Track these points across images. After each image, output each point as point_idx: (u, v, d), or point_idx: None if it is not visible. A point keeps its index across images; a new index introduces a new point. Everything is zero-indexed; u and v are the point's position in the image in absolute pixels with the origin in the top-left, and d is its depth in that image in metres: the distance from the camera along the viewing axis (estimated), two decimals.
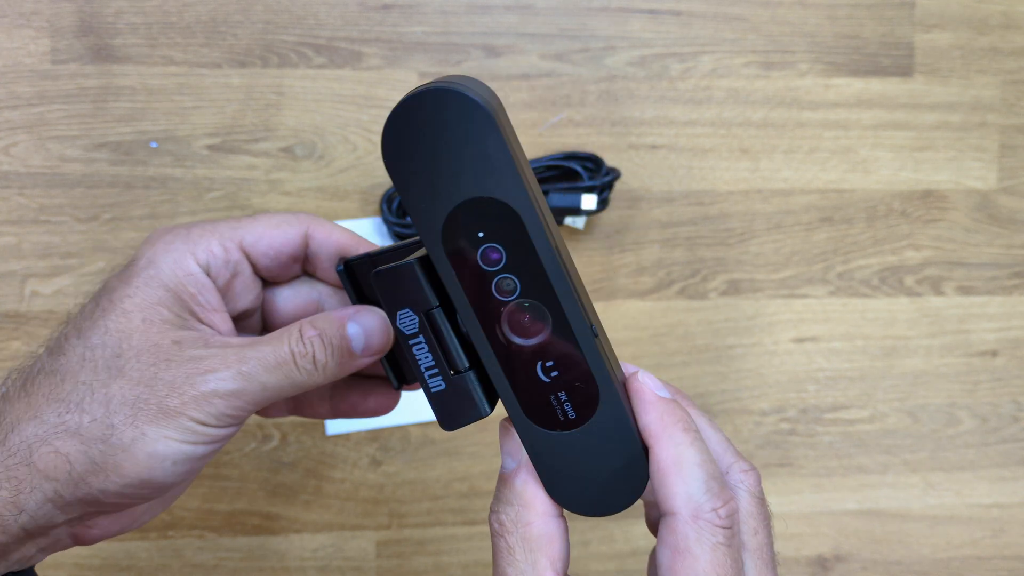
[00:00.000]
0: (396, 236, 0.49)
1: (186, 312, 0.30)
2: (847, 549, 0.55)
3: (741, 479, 0.27)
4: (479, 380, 0.27)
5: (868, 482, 0.55)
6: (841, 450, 0.55)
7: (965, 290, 0.55)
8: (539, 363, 0.25)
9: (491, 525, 0.27)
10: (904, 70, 0.54)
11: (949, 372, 0.55)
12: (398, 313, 0.26)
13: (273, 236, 0.31)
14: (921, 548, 0.56)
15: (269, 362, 0.29)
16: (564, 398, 0.26)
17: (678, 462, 0.25)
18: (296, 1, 0.49)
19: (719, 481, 0.26)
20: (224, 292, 0.31)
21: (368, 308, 0.31)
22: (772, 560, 0.27)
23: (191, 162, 0.49)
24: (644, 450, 0.26)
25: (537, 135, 0.51)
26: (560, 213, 0.49)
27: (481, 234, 0.24)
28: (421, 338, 0.26)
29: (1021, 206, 0.55)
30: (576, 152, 0.50)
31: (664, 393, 0.27)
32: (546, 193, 0.49)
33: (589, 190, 0.49)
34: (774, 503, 0.54)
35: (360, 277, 0.31)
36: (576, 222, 0.50)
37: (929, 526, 0.56)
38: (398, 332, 0.26)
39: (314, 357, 0.29)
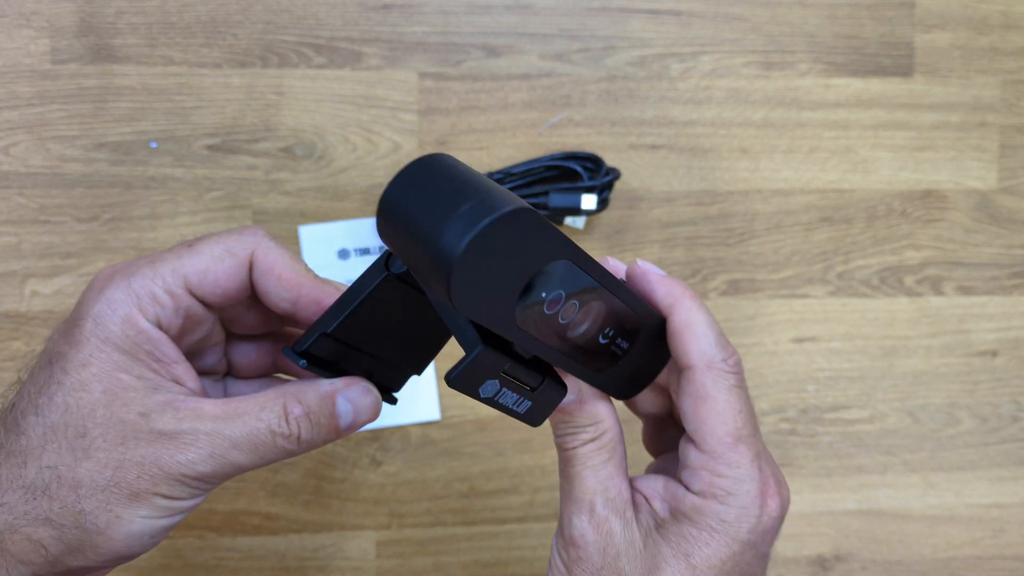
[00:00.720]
0: None
1: (148, 371, 0.28)
2: (847, 549, 0.55)
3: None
4: (553, 380, 0.29)
5: (868, 482, 0.55)
6: (841, 450, 0.55)
7: (965, 290, 0.55)
8: (600, 336, 0.28)
9: (566, 444, 0.29)
10: (904, 70, 0.54)
11: (949, 372, 0.55)
12: (480, 390, 0.27)
13: (217, 272, 0.29)
14: (921, 548, 0.56)
15: (245, 445, 0.27)
16: (621, 342, 0.29)
17: (690, 324, 0.29)
18: (296, 1, 0.49)
19: (724, 337, 0.29)
20: (179, 339, 0.30)
21: (357, 381, 0.30)
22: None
23: (191, 162, 0.49)
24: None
25: (537, 135, 0.51)
26: (560, 213, 0.49)
27: (544, 294, 0.25)
28: (504, 390, 0.27)
29: (1021, 206, 0.55)
30: (576, 152, 0.50)
31: (662, 272, 0.30)
32: (546, 193, 0.49)
33: (589, 190, 0.49)
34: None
35: (325, 352, 0.29)
36: (576, 222, 0.50)
37: (929, 526, 0.56)
38: (486, 401, 0.27)
39: (299, 438, 0.28)
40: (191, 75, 0.48)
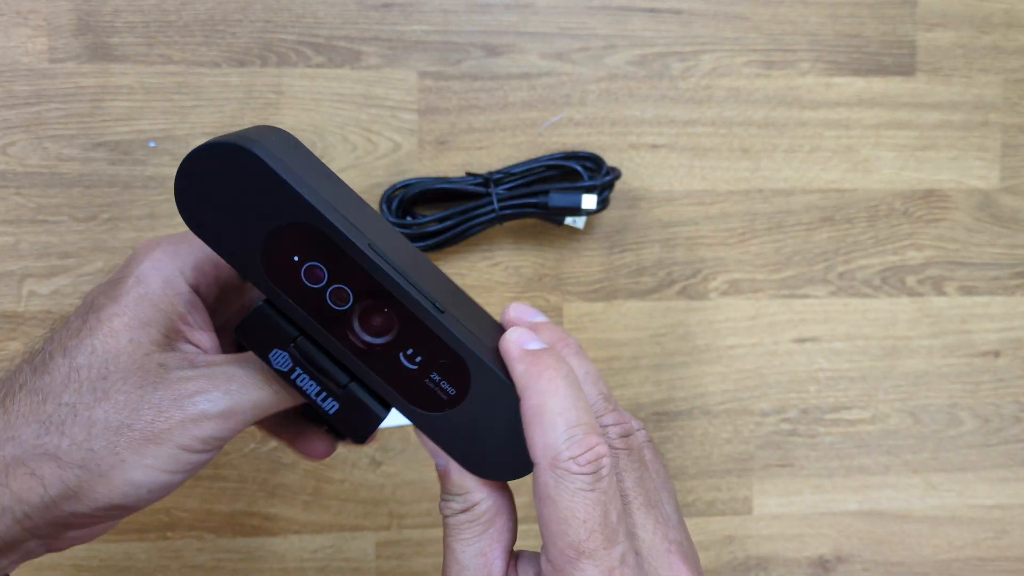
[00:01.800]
0: None
1: (173, 331, 0.29)
2: (848, 550, 0.55)
3: (611, 421, 0.28)
4: (364, 388, 0.28)
5: (869, 483, 0.55)
6: (842, 451, 0.54)
7: (967, 290, 0.55)
8: (400, 354, 0.27)
9: (441, 511, 0.28)
10: (906, 69, 0.53)
11: (951, 372, 0.55)
12: (270, 356, 0.27)
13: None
14: (922, 549, 0.55)
15: (258, 378, 0.28)
16: (438, 379, 0.27)
17: (539, 412, 0.26)
18: (295, 0, 0.49)
19: (584, 428, 0.26)
20: (212, 308, 0.31)
21: None
22: (649, 502, 0.28)
23: None
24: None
25: (537, 134, 0.51)
26: (560, 213, 0.49)
27: (296, 258, 0.25)
28: (298, 369, 0.27)
29: (1023, 205, 0.55)
30: (576, 152, 0.50)
31: (535, 344, 0.28)
32: (546, 193, 0.49)
33: (589, 190, 0.48)
34: (775, 504, 0.54)
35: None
36: (576, 222, 0.50)
37: (931, 527, 0.55)
38: (278, 374, 0.27)
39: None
40: (189, 74, 0.48)
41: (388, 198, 0.49)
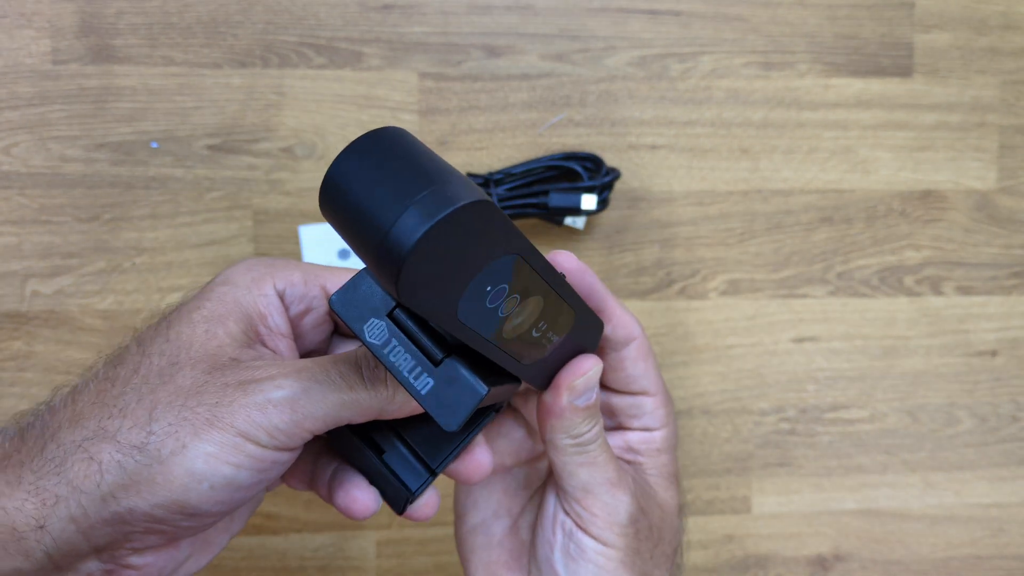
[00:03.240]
0: None
1: (252, 331, 0.28)
2: (846, 549, 0.55)
3: None
4: (464, 362, 0.26)
5: (867, 482, 0.55)
6: (841, 450, 0.55)
7: (964, 290, 0.55)
8: (532, 329, 0.27)
9: (594, 438, 0.31)
10: (904, 70, 0.54)
11: (948, 372, 0.55)
12: (364, 327, 0.25)
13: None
14: (920, 548, 0.56)
15: (332, 372, 0.26)
16: (551, 335, 0.29)
17: (623, 308, 0.33)
18: (296, 1, 0.49)
19: None
20: (294, 324, 0.30)
21: None
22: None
23: (191, 162, 0.49)
24: (597, 318, 0.32)
25: (537, 135, 0.51)
26: (560, 213, 0.49)
27: (488, 288, 0.24)
28: (394, 341, 0.25)
29: (1020, 206, 0.55)
30: (576, 152, 0.50)
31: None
32: (546, 193, 0.49)
33: (589, 190, 0.49)
34: (774, 503, 0.54)
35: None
36: (576, 222, 0.51)
37: (928, 526, 0.56)
38: (371, 347, 0.25)
39: (385, 377, 0.27)
40: (191, 75, 0.48)
41: None
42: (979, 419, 0.56)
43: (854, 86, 0.53)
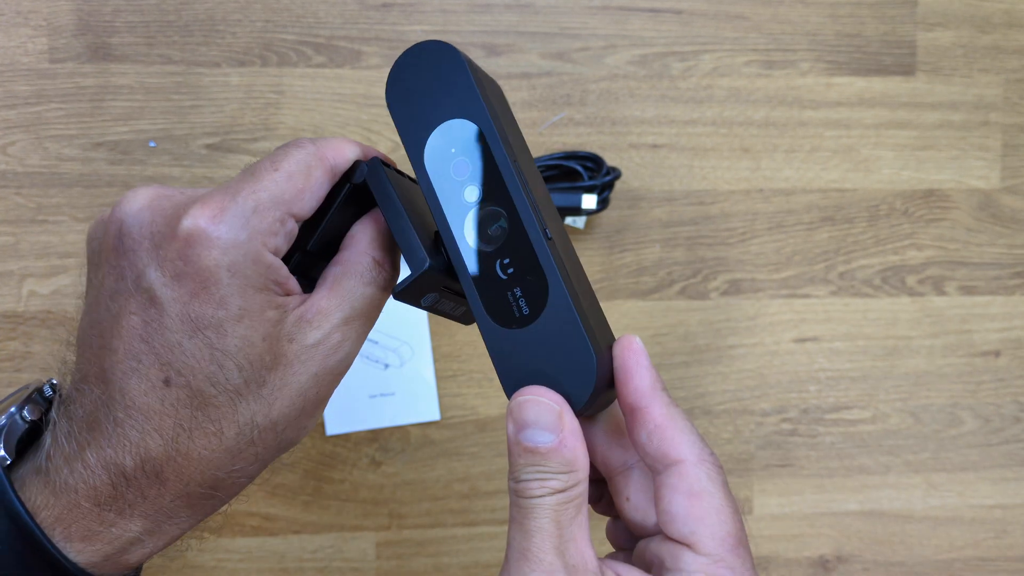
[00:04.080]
0: None
1: (277, 298, 0.28)
2: (849, 550, 0.55)
3: None
4: (443, 265, 0.31)
5: (870, 483, 0.55)
6: (843, 450, 0.54)
7: (967, 290, 0.55)
8: (498, 262, 0.29)
9: (527, 491, 0.26)
10: (906, 69, 0.53)
11: (951, 372, 0.55)
12: (422, 300, 0.31)
13: (312, 191, 0.29)
14: (923, 549, 0.55)
15: (368, 310, 0.30)
16: (519, 294, 0.28)
17: (673, 419, 0.27)
18: (295, 0, 0.49)
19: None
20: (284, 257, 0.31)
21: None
22: None
23: (189, 161, 0.48)
24: (594, 353, 0.27)
25: (537, 134, 0.51)
26: (560, 213, 0.49)
27: (453, 150, 0.29)
28: (442, 299, 0.31)
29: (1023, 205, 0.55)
30: (576, 151, 0.50)
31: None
32: None
33: (589, 190, 0.48)
34: (775, 504, 0.54)
35: (306, 266, 0.32)
36: (576, 222, 0.50)
37: (931, 527, 0.55)
38: (424, 307, 0.31)
39: (391, 275, 0.31)
40: (189, 74, 0.48)
41: None
42: (982, 420, 0.55)
43: (856, 85, 0.53)
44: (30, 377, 0.48)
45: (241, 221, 0.27)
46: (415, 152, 0.30)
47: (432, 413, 0.51)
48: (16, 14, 0.47)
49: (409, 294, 0.30)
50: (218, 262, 0.27)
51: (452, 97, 0.29)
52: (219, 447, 0.28)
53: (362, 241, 0.31)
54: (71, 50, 0.47)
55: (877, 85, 0.53)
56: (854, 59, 0.53)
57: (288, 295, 0.29)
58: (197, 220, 0.27)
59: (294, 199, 0.28)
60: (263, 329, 0.28)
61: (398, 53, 0.49)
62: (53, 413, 0.29)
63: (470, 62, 0.30)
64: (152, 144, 0.48)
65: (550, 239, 0.28)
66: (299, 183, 0.29)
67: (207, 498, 0.29)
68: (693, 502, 0.26)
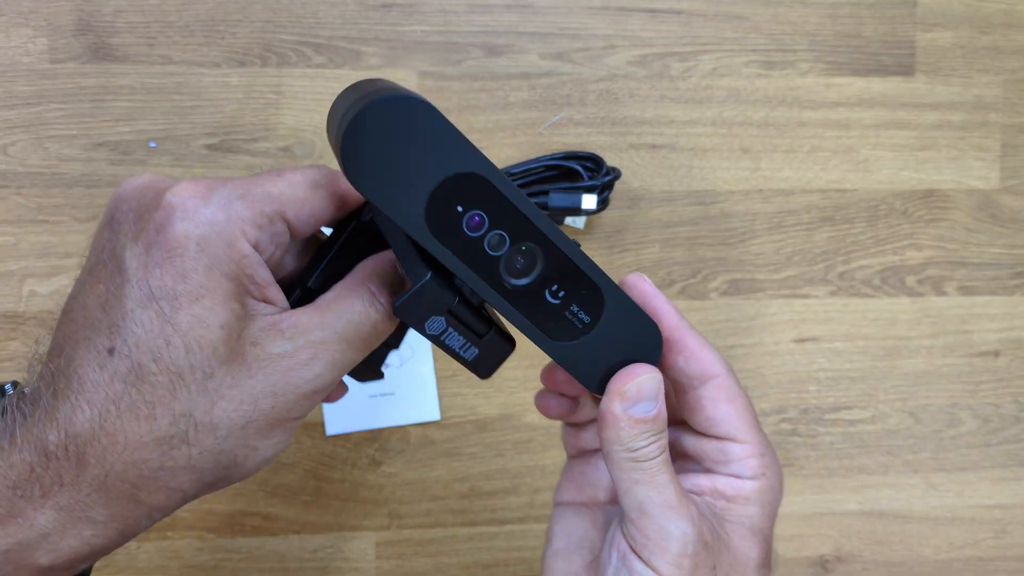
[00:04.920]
0: None
1: (249, 297, 0.27)
2: (848, 550, 0.55)
3: None
4: (499, 333, 0.30)
5: (869, 483, 0.55)
6: (842, 450, 0.55)
7: (967, 290, 0.55)
8: (546, 292, 0.28)
9: (650, 454, 0.29)
10: (906, 69, 0.54)
11: (951, 372, 0.55)
12: (426, 324, 0.28)
13: (313, 203, 0.28)
14: (923, 549, 0.55)
15: (353, 338, 0.29)
16: (576, 309, 0.29)
17: (702, 343, 0.31)
18: (295, 0, 0.49)
19: None
20: (271, 266, 0.29)
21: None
22: None
23: (190, 161, 0.49)
24: (652, 322, 0.31)
25: (537, 135, 0.51)
26: (560, 213, 0.49)
27: (460, 208, 0.26)
28: (450, 329, 0.29)
29: (1023, 205, 0.55)
30: (576, 152, 0.50)
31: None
32: (546, 193, 0.49)
33: (589, 190, 0.49)
34: None
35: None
36: (576, 222, 0.50)
37: (931, 527, 0.55)
38: (430, 338, 0.29)
39: (390, 312, 0.29)
40: (190, 74, 0.48)
41: None
42: (982, 420, 0.55)
43: (856, 85, 0.53)
44: (31, 377, 0.48)
45: (224, 202, 0.27)
46: (413, 224, 0.26)
47: (432, 413, 0.51)
48: (17, 14, 0.47)
49: (410, 310, 0.27)
50: (188, 233, 0.26)
51: (439, 152, 0.25)
52: (148, 434, 0.26)
53: (362, 272, 0.30)
54: (72, 50, 0.47)
55: (876, 85, 0.53)
56: (853, 59, 0.53)
57: (265, 302, 0.28)
58: (181, 193, 0.26)
59: (289, 203, 0.28)
60: (222, 316, 0.26)
61: (398, 53, 0.50)
62: (4, 402, 0.27)
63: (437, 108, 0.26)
64: (152, 144, 0.48)
65: (579, 246, 0.29)
66: (300, 192, 0.28)
67: (128, 498, 0.26)
68: (732, 406, 0.31)
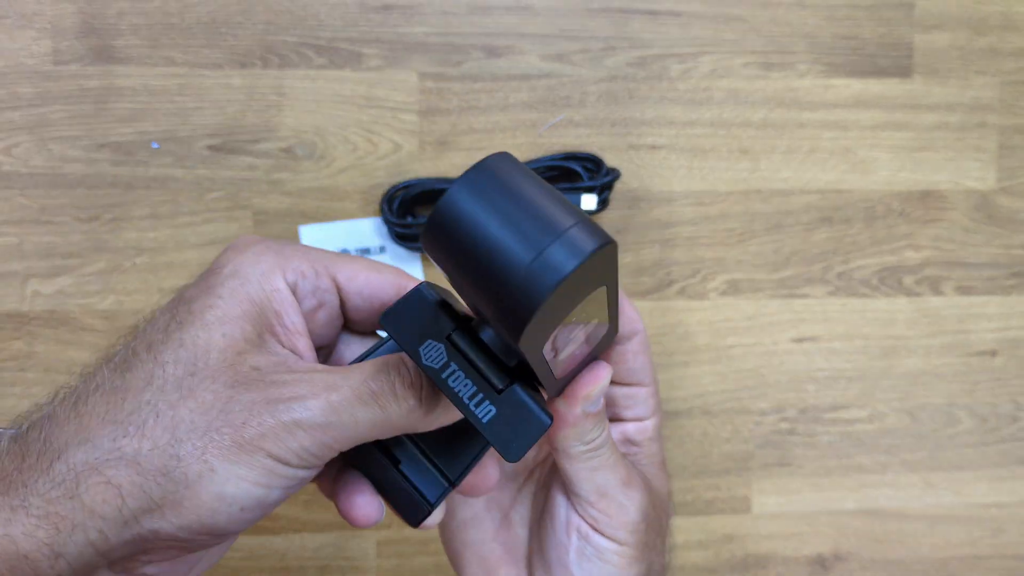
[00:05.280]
0: (396, 236, 0.49)
1: (268, 332, 0.26)
2: (846, 548, 0.55)
3: None
4: (526, 390, 0.25)
5: (867, 482, 0.55)
6: (840, 450, 0.55)
7: (964, 290, 0.55)
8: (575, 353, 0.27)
9: (601, 442, 0.30)
10: (903, 71, 0.54)
11: (948, 372, 0.55)
12: (421, 350, 0.24)
13: (369, 276, 0.28)
14: (920, 547, 0.56)
15: (364, 392, 0.25)
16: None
17: (627, 301, 0.32)
18: (297, 2, 0.49)
19: None
20: (307, 319, 0.28)
21: None
22: None
23: (192, 162, 0.49)
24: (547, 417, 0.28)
25: (537, 135, 0.51)
26: None
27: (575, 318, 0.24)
28: (453, 365, 0.24)
29: (1020, 206, 0.55)
30: (576, 152, 0.50)
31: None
32: None
33: (589, 190, 0.49)
34: (774, 503, 0.54)
35: None
36: None
37: (928, 525, 0.56)
38: (429, 371, 0.24)
39: (421, 387, 0.26)
40: (192, 76, 0.49)
41: (389, 198, 0.49)
42: (979, 419, 0.56)
43: (853, 86, 0.53)
44: (34, 377, 0.48)
45: (276, 246, 0.28)
46: (535, 353, 0.23)
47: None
48: (21, 17, 0.47)
49: (399, 319, 0.24)
50: (231, 260, 0.27)
51: (596, 276, 0.22)
52: (106, 414, 0.24)
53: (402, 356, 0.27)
54: (75, 52, 0.48)
55: (874, 87, 0.54)
56: (851, 61, 0.53)
57: (290, 350, 0.27)
58: (246, 238, 0.28)
59: (343, 266, 0.28)
60: (229, 328, 0.25)
61: (399, 55, 0.50)
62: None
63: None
64: (155, 145, 0.49)
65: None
66: (358, 264, 0.29)
67: (67, 488, 0.23)
68: (647, 355, 0.33)
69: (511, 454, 0.24)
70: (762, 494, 0.54)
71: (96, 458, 0.23)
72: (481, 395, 0.24)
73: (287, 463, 0.24)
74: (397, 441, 0.29)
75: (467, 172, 0.21)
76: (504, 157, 0.22)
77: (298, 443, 0.24)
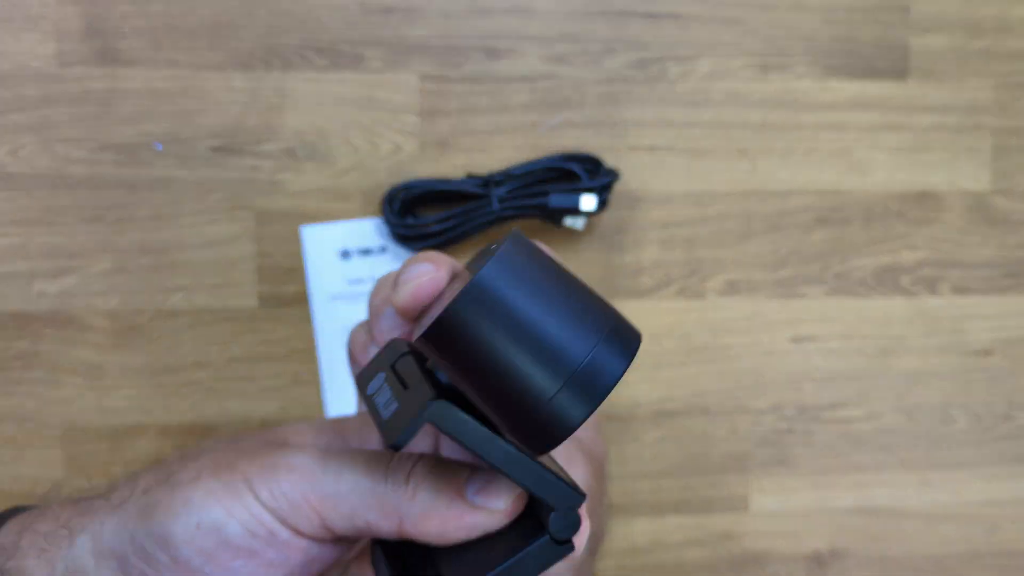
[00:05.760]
0: (397, 236, 0.50)
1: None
2: (843, 546, 0.56)
3: None
4: (434, 386, 0.26)
5: (864, 480, 0.55)
6: (838, 448, 0.55)
7: (960, 290, 0.55)
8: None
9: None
10: (899, 73, 0.54)
11: (944, 371, 0.56)
12: (369, 384, 0.26)
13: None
14: (917, 545, 0.56)
15: (359, 459, 0.25)
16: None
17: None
18: (298, 4, 0.49)
19: None
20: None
21: (492, 474, 0.25)
22: None
23: (195, 163, 0.49)
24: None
25: (537, 136, 0.51)
26: (560, 214, 0.50)
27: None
28: (385, 386, 0.26)
29: (1015, 207, 0.56)
30: (575, 153, 0.51)
31: None
32: (545, 194, 0.49)
33: (588, 191, 0.49)
34: (772, 501, 0.54)
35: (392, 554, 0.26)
36: (576, 223, 0.51)
37: (924, 523, 0.56)
38: (364, 397, 0.26)
39: (409, 471, 0.25)
40: (195, 78, 0.49)
41: (390, 199, 0.49)
42: (974, 418, 0.56)
43: (851, 88, 0.54)
44: (39, 376, 0.49)
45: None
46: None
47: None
48: (25, 19, 0.48)
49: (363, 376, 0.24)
50: (181, 485, 0.28)
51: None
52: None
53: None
54: (79, 54, 0.48)
55: (871, 88, 0.54)
56: (848, 63, 0.54)
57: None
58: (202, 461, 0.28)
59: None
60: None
61: (399, 57, 0.50)
62: None
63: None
64: (158, 147, 0.49)
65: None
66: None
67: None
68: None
69: (389, 435, 0.23)
70: (760, 492, 0.55)
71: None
72: (394, 400, 0.24)
73: (256, 495, 0.24)
74: (422, 567, 0.27)
75: (487, 267, 0.19)
76: (518, 243, 0.20)
77: (275, 480, 0.24)
